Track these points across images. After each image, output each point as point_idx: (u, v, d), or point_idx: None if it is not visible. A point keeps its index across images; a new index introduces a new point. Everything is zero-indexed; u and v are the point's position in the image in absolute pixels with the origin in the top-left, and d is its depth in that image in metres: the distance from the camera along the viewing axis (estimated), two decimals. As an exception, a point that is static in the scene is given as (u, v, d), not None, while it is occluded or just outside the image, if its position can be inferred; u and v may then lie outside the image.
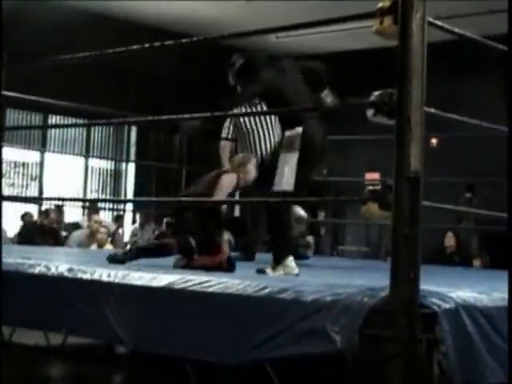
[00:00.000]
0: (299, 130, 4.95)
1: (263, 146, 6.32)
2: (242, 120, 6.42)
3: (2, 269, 4.45)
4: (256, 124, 6.43)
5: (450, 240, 11.44)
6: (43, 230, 10.64)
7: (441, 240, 11.49)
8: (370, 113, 3.18)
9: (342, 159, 13.51)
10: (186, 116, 4.24)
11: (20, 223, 11.73)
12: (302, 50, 14.69)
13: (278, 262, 4.78)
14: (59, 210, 11.98)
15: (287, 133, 5.02)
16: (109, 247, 10.30)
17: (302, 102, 5.02)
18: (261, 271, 4.69)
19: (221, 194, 5.03)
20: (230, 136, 6.76)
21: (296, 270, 4.76)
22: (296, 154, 4.93)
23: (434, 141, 12.07)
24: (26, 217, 11.69)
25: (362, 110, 3.34)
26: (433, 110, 3.22)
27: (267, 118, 6.42)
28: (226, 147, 6.82)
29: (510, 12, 3.52)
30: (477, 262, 11.03)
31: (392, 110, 3.00)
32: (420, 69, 2.95)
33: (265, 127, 6.43)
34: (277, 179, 4.92)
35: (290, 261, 4.79)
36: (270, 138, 6.35)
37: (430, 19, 3.06)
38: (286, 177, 4.88)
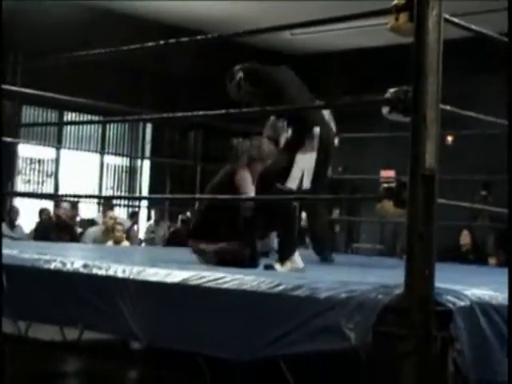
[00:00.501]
0: (317, 130, 5.05)
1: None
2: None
3: (18, 264, 4.48)
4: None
5: (465, 238, 11.40)
6: (59, 226, 10.66)
7: (456, 238, 11.45)
8: (385, 110, 3.19)
9: (357, 157, 13.49)
10: (201, 113, 4.24)
11: (37, 219, 11.77)
12: (317, 48, 14.70)
13: (285, 258, 4.85)
14: (73, 205, 12.01)
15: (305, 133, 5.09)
16: (125, 244, 10.33)
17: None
18: (269, 267, 4.76)
19: (248, 191, 5.03)
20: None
21: (302, 265, 4.83)
22: (314, 154, 5.02)
23: (449, 138, 12.03)
24: (43, 213, 11.73)
25: (377, 108, 3.34)
26: (448, 108, 3.22)
27: None
28: None
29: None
30: (492, 260, 10.98)
31: (407, 107, 2.99)
32: (436, 66, 2.94)
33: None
34: (292, 177, 4.97)
35: (297, 256, 4.88)
36: None
37: (447, 16, 3.05)
38: (305, 176, 4.97)
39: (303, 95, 5.24)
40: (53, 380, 5.41)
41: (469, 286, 3.20)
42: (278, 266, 4.82)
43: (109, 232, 10.53)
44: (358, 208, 14.67)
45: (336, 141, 6.88)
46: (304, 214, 6.64)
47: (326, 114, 6.70)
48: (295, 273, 4.67)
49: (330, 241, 6.73)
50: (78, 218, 12.29)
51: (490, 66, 12.52)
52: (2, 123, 4.96)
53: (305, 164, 5.02)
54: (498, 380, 3.02)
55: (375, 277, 4.20)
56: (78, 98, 7.33)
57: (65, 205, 11.15)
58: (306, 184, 4.99)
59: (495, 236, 12.38)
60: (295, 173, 5.00)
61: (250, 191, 4.99)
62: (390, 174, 11.85)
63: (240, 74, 5.23)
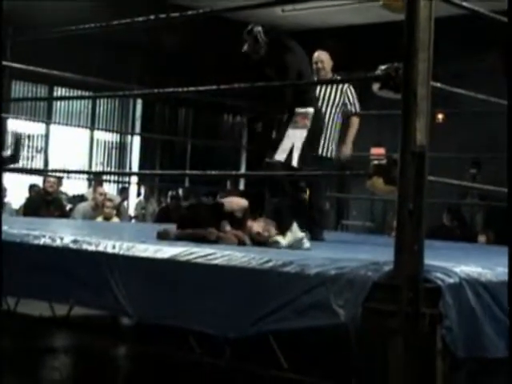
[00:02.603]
0: (311, 109, 5.09)
1: None
2: None
3: (7, 239, 4.46)
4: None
5: (445, 217, 11.51)
6: (46, 200, 10.58)
7: (441, 217, 11.53)
8: (375, 87, 3.18)
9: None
10: (191, 89, 4.22)
11: (26, 195, 11.72)
12: (308, 25, 14.64)
13: (285, 229, 4.85)
14: (59, 181, 11.91)
15: (299, 110, 5.10)
16: (115, 220, 10.31)
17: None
18: (274, 241, 4.76)
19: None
20: None
21: (301, 234, 4.83)
22: (304, 132, 5.05)
23: (440, 116, 12.03)
24: (32, 189, 11.68)
25: (367, 85, 3.33)
26: (439, 85, 3.21)
27: None
28: None
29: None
30: (482, 238, 11.02)
31: (398, 84, 2.99)
32: (427, 43, 2.93)
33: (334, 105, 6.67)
34: (281, 150, 5.00)
35: (295, 226, 4.89)
36: None
37: (438, -7, 3.04)
38: (294, 153, 4.99)
39: (307, 74, 5.28)
40: (42, 356, 5.42)
41: (458, 263, 3.21)
42: (280, 239, 4.80)
43: (98, 208, 10.50)
44: (347, 185, 14.66)
45: (358, 120, 6.91)
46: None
47: (350, 93, 6.72)
48: (298, 244, 4.62)
49: (323, 220, 6.72)
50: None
51: (481, 44, 12.52)
52: (2, 99, 4.94)
53: (295, 139, 5.05)
54: (487, 357, 3.04)
55: (365, 254, 4.21)
56: (69, 73, 7.29)
57: (50, 178, 11.04)
58: (295, 160, 5.01)
59: (484, 214, 12.42)
60: (285, 145, 5.03)
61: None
62: (381, 151, 11.83)
63: (259, 29, 5.23)
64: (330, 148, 6.65)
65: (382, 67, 3.09)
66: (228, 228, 4.77)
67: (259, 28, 5.27)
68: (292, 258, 3.40)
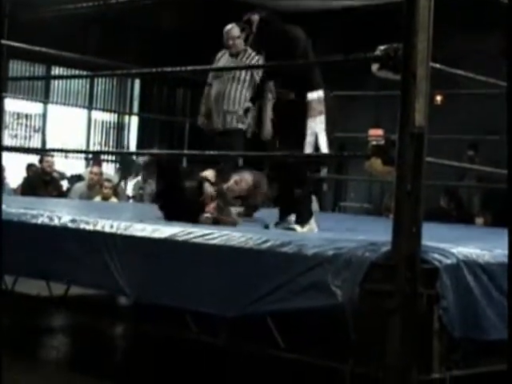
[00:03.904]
0: (321, 93, 5.03)
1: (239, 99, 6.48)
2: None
3: (4, 218, 4.46)
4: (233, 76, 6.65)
5: (442, 199, 11.51)
6: (45, 181, 10.57)
7: (438, 198, 11.52)
8: (374, 67, 3.16)
9: (345, 115, 13.43)
10: (189, 68, 4.21)
11: (24, 175, 11.70)
12: (307, 6, 14.57)
13: (304, 221, 4.93)
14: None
15: (310, 96, 5.05)
16: (113, 200, 10.31)
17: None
18: (290, 229, 4.83)
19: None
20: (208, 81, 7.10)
21: (316, 229, 4.94)
22: (323, 117, 5.02)
23: (438, 98, 12.00)
24: (30, 168, 11.66)
25: (366, 66, 3.31)
26: (438, 66, 3.20)
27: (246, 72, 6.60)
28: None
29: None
30: (479, 220, 11.02)
31: (397, 64, 2.98)
32: (427, 23, 2.92)
33: (241, 81, 6.63)
34: (306, 143, 5.01)
35: (313, 220, 5.00)
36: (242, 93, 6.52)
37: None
38: (321, 141, 5.00)
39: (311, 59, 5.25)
40: (39, 335, 5.43)
41: (455, 245, 3.21)
42: (298, 228, 4.86)
43: (93, 187, 10.48)
44: (345, 166, 14.65)
45: None
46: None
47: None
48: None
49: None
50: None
51: (481, 26, 12.46)
52: (2, 80, 4.91)
53: (316, 127, 5.03)
54: (483, 337, 3.04)
55: (363, 234, 4.21)
56: (66, 52, 7.27)
57: (48, 158, 11.02)
58: (324, 148, 5.02)
59: (481, 196, 12.41)
60: (309, 138, 5.01)
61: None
62: (379, 132, 11.80)
63: (256, 17, 5.21)
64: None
65: (382, 47, 3.08)
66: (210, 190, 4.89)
67: (256, 16, 5.21)
68: (290, 238, 3.40)
